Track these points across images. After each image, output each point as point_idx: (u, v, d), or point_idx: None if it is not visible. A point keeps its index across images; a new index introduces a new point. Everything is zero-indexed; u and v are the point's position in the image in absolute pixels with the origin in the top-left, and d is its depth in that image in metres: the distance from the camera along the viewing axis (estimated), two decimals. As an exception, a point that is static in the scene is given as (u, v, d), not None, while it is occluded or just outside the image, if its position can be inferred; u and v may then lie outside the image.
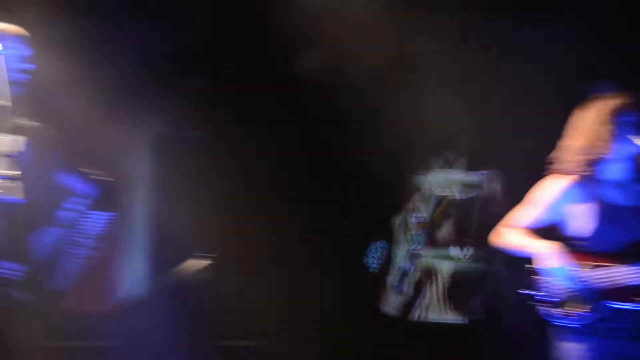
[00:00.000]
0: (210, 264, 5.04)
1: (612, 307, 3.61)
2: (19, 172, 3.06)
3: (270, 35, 5.33)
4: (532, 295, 3.79)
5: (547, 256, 3.70)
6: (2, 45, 3.13)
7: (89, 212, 3.62)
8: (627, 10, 5.53)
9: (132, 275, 5.52)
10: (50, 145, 3.60)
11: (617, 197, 3.72)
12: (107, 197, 3.74)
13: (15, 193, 3.08)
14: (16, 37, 3.32)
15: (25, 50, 3.36)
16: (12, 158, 3.09)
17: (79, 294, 3.71)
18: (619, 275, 3.67)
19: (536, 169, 3.90)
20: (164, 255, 5.47)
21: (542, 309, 3.75)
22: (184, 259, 5.05)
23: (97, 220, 3.67)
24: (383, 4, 5.26)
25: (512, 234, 3.92)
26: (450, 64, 5.52)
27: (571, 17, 5.43)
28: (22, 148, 3.23)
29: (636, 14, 5.52)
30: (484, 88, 5.51)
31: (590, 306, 3.65)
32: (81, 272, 3.66)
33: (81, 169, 3.70)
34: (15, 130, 3.18)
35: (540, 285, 3.76)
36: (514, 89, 5.36)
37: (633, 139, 3.57)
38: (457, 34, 5.58)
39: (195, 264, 4.95)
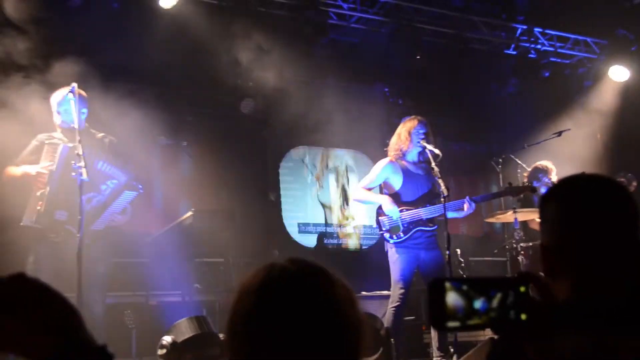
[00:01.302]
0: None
1: (417, 230, 5.25)
2: (84, 163, 4.28)
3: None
4: (379, 227, 5.41)
5: (382, 203, 5.31)
6: (72, 95, 4.47)
7: (121, 190, 4.73)
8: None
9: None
10: (102, 147, 4.80)
11: (413, 169, 5.39)
12: (132, 182, 4.76)
13: (83, 174, 4.28)
14: (80, 95, 4.59)
15: (83, 100, 4.66)
16: (82, 155, 4.30)
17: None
18: (418, 213, 5.27)
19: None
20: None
21: (383, 234, 5.37)
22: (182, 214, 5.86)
23: (126, 196, 4.76)
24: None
25: (363, 192, 5.54)
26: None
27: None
28: (86, 150, 4.38)
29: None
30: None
31: (402, 230, 5.25)
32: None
33: (118, 164, 4.77)
34: (86, 138, 4.48)
35: (381, 219, 5.34)
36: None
37: (421, 141, 5.30)
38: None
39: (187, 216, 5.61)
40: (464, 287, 1.15)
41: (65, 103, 4.64)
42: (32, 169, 4.57)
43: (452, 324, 1.14)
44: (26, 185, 4.62)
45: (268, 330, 1.22)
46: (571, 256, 1.46)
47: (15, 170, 4.64)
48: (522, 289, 1.17)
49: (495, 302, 1.16)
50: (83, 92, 4.69)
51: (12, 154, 4.68)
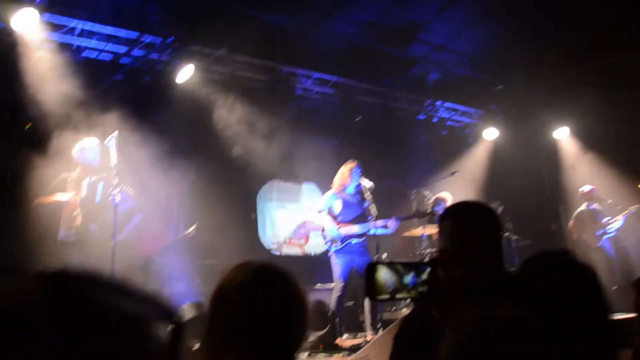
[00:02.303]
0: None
1: (350, 242, 5.22)
2: (117, 190, 4.29)
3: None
4: (324, 239, 5.35)
5: (326, 223, 5.29)
6: (114, 140, 4.36)
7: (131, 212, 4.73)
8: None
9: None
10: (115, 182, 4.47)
11: (349, 199, 5.40)
12: (137, 207, 4.79)
13: (116, 198, 4.26)
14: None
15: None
16: (110, 185, 4.33)
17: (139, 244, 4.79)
18: (352, 229, 5.25)
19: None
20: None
21: (326, 244, 5.35)
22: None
23: (135, 216, 4.82)
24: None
25: (315, 215, 5.41)
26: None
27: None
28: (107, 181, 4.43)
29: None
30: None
31: (340, 241, 5.25)
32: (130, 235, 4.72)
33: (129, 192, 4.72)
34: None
35: (325, 234, 5.34)
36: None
37: (358, 178, 5.32)
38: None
39: (191, 230, 5.64)
40: (391, 268, 1.11)
41: (94, 148, 4.55)
42: (64, 197, 4.46)
43: (381, 296, 1.11)
44: (55, 210, 4.45)
45: (245, 306, 1.22)
46: (460, 255, 1.49)
47: (47, 199, 4.46)
48: (430, 270, 1.14)
49: (416, 279, 1.12)
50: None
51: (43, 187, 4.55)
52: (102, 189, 4.51)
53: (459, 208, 1.64)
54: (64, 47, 5.44)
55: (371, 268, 1.10)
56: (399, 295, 1.12)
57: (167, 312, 0.52)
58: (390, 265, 1.11)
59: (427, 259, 1.33)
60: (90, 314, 0.47)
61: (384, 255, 6.22)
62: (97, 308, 0.48)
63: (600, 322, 1.26)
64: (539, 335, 0.80)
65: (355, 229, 5.24)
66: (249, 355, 1.19)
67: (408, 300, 1.14)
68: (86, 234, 4.48)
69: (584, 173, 8.00)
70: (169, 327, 0.51)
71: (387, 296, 1.11)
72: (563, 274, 1.60)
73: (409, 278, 1.11)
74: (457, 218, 1.56)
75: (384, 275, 1.09)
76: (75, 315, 0.46)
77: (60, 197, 4.50)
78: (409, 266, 1.13)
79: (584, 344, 1.23)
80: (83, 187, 4.56)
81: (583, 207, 7.26)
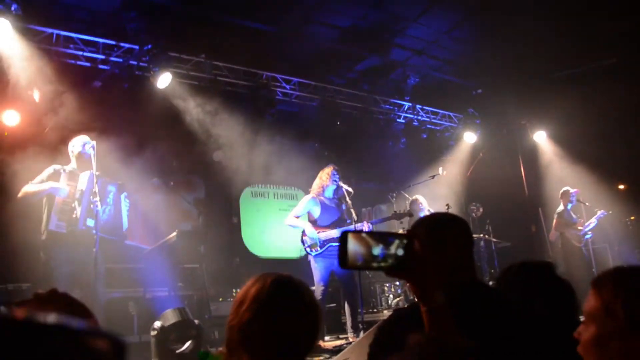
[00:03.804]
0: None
1: (329, 245, 5.22)
2: (99, 198, 4.26)
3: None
4: (303, 244, 5.39)
5: (305, 228, 5.28)
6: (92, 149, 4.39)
7: (118, 196, 4.68)
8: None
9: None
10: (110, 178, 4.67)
11: (328, 203, 5.42)
12: (121, 188, 4.71)
13: (98, 206, 4.26)
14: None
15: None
16: (97, 192, 4.28)
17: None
18: (331, 233, 5.26)
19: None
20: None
21: (305, 248, 5.35)
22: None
23: (124, 202, 4.73)
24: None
25: (293, 219, 5.42)
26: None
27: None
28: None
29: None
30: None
31: (319, 246, 5.27)
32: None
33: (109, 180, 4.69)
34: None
35: (304, 239, 5.35)
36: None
37: (337, 182, 5.37)
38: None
39: (173, 235, 5.48)
40: (364, 236, 1.11)
41: (90, 144, 4.52)
42: (62, 186, 4.40)
43: (355, 264, 1.10)
44: (48, 200, 4.40)
45: (260, 311, 1.32)
46: (433, 260, 1.62)
47: (36, 187, 4.40)
48: (407, 242, 1.14)
49: (391, 249, 1.12)
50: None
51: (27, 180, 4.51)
52: (102, 185, 4.47)
53: (431, 219, 1.71)
54: (42, 54, 5.48)
55: (344, 237, 1.10)
56: (373, 264, 1.12)
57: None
58: (360, 235, 1.11)
59: (407, 231, 1.36)
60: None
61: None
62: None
63: (570, 330, 1.26)
64: None
65: (334, 233, 5.26)
66: (260, 357, 1.30)
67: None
68: (85, 229, 4.38)
69: (562, 175, 8.20)
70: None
71: (359, 265, 1.11)
72: (541, 285, 1.70)
73: (378, 250, 1.11)
74: (430, 227, 1.61)
75: (354, 244, 1.10)
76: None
77: (54, 185, 4.42)
78: (379, 237, 1.13)
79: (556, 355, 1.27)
80: (82, 179, 4.49)
81: (562, 207, 7.48)
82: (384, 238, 1.13)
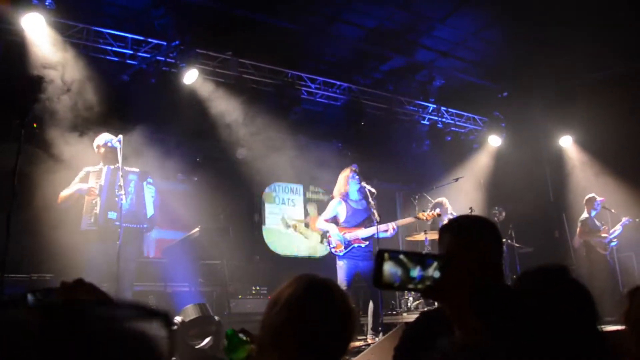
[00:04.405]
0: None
1: (354, 246, 5.24)
2: (123, 191, 4.41)
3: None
4: (328, 245, 5.41)
5: (331, 229, 5.33)
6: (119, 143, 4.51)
7: (140, 183, 4.77)
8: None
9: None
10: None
11: (354, 205, 5.42)
12: (143, 175, 4.81)
13: (123, 199, 4.40)
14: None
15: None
16: (123, 185, 4.43)
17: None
18: (356, 234, 5.26)
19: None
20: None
21: (331, 249, 5.35)
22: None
23: (148, 188, 4.80)
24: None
25: (323, 223, 5.46)
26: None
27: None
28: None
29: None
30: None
31: (345, 246, 5.28)
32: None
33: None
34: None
35: (330, 240, 5.36)
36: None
37: (359, 183, 5.33)
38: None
39: (195, 231, 5.53)
40: (399, 260, 1.10)
41: (111, 141, 4.64)
42: (84, 185, 4.56)
43: (392, 284, 1.10)
44: (79, 201, 4.58)
45: (293, 311, 1.32)
46: (460, 268, 1.58)
47: (67, 191, 4.59)
48: (444, 264, 1.14)
49: (429, 272, 1.11)
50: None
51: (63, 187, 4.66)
52: (120, 178, 4.51)
53: (458, 223, 1.63)
54: (72, 48, 5.58)
55: (381, 256, 1.09)
56: (408, 286, 1.12)
57: (154, 313, 0.53)
58: (399, 256, 1.10)
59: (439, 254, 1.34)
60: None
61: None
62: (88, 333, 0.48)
63: (589, 339, 1.26)
64: None
65: (360, 233, 5.31)
66: (290, 356, 1.30)
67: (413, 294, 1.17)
68: (105, 222, 4.52)
69: (587, 181, 8.06)
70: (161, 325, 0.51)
71: (394, 285, 1.10)
72: (556, 290, 1.67)
73: (416, 272, 1.11)
74: (456, 234, 1.54)
75: (391, 266, 1.09)
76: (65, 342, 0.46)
77: (79, 186, 4.59)
78: (417, 259, 1.12)
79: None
80: (103, 174, 4.64)
81: (586, 214, 7.34)
82: (423, 260, 1.12)
